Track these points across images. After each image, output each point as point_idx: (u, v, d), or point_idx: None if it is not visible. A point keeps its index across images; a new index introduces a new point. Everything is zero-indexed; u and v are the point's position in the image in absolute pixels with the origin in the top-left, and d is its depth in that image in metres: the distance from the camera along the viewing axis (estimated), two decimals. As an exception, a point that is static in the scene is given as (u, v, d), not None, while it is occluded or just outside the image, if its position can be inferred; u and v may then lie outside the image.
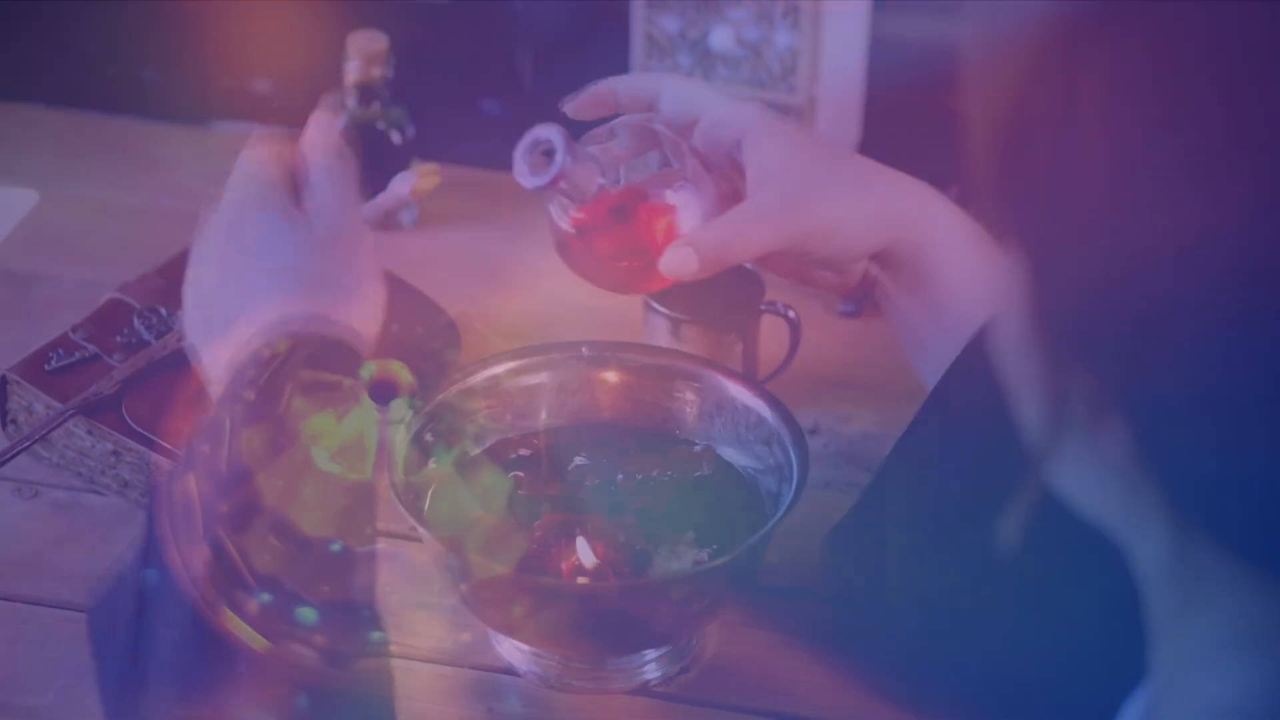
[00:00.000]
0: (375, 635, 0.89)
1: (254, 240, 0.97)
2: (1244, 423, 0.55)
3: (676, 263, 1.02)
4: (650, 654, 1.06)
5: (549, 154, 1.01)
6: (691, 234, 1.03)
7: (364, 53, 1.38)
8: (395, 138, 1.41)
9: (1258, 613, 0.60)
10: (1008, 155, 0.58)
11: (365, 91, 1.39)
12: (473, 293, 1.33)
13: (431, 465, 1.06)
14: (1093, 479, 0.61)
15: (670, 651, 1.07)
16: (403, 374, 1.00)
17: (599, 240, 1.05)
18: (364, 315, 0.96)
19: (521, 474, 1.09)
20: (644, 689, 1.06)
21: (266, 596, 0.85)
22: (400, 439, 1.04)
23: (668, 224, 1.05)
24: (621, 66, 1.46)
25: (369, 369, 0.98)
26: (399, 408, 1.02)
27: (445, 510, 1.04)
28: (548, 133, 1.01)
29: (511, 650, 1.06)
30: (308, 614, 0.86)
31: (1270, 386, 0.54)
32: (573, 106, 1.09)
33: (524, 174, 1.02)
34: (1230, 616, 0.60)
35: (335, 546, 0.88)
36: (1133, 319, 0.55)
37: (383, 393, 0.96)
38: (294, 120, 1.49)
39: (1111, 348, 0.56)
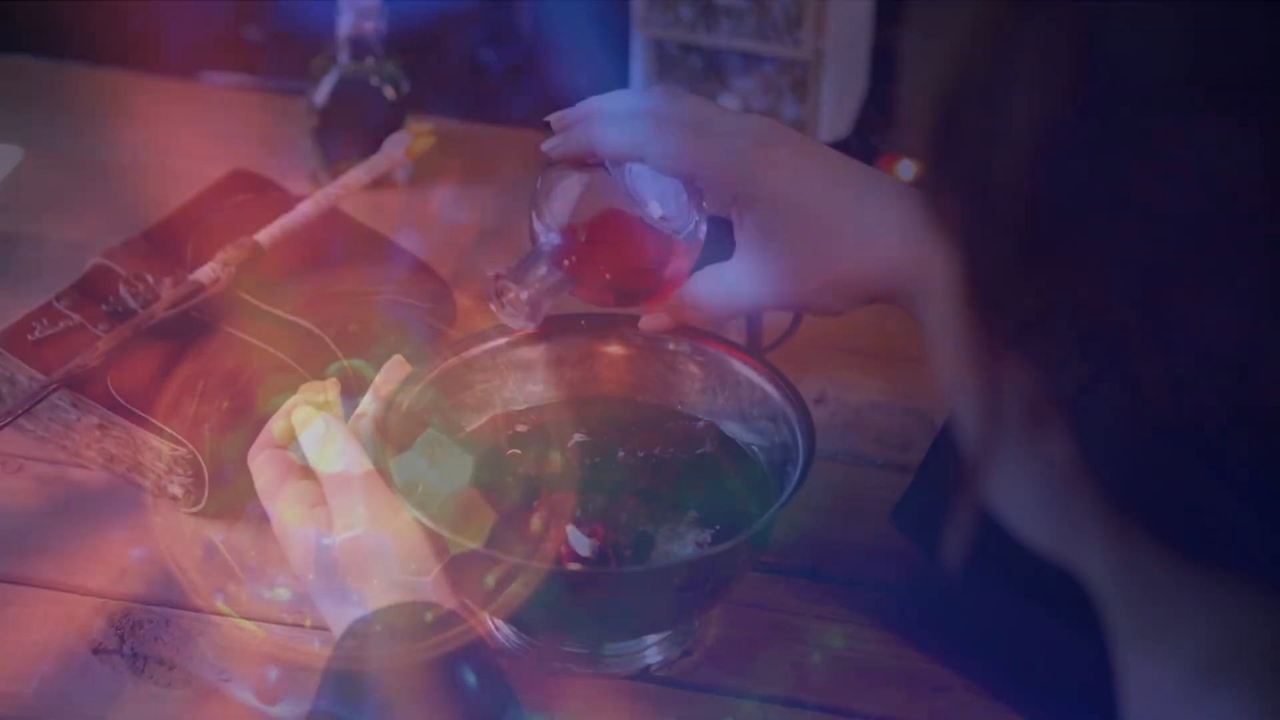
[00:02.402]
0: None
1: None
2: (1189, 421, 0.53)
3: (655, 324, 1.07)
4: (651, 638, 1.03)
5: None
6: (671, 302, 1.04)
7: (357, 6, 1.34)
8: (389, 93, 1.37)
9: (1226, 636, 0.58)
10: (942, 124, 0.57)
11: (358, 46, 1.35)
12: (468, 254, 1.30)
13: (418, 446, 1.03)
14: (1031, 490, 0.60)
15: (671, 635, 1.04)
16: (366, 371, 1.00)
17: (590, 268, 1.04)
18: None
19: (518, 451, 1.06)
20: (644, 673, 1.03)
21: None
22: (385, 425, 1.01)
23: (646, 238, 1.04)
24: (623, 17, 1.42)
25: (334, 369, 0.98)
26: (364, 404, 1.00)
27: (437, 495, 1.01)
28: (496, 272, 1.02)
29: (507, 633, 1.04)
30: None
31: (1213, 380, 0.52)
32: (555, 154, 1.03)
33: (505, 316, 1.03)
34: (1197, 644, 0.59)
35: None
36: (1069, 306, 0.53)
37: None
38: (285, 72, 1.46)
39: (1049, 338, 0.54)
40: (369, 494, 0.95)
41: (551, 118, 1.04)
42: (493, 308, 1.03)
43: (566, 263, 1.02)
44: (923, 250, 1.00)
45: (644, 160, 1.01)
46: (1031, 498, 0.61)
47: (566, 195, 1.03)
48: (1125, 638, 0.62)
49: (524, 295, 1.01)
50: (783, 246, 1.00)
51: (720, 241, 1.04)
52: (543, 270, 1.02)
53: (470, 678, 0.92)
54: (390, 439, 1.00)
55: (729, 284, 1.02)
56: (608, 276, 1.04)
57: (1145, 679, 0.62)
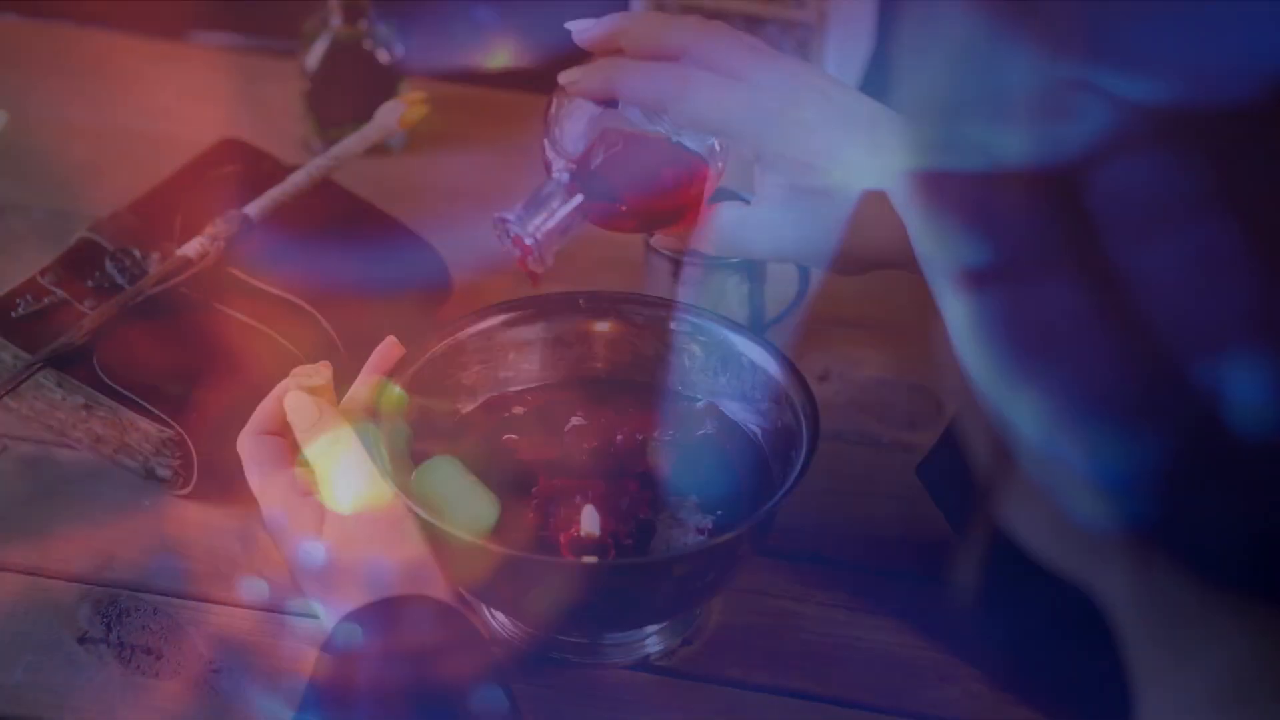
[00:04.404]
0: None
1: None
2: (1202, 439, 0.52)
3: (667, 243, 1.06)
4: (650, 627, 1.01)
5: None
6: (684, 231, 1.00)
7: (348, -33, 1.31)
8: (382, 56, 1.33)
9: (1245, 658, 0.58)
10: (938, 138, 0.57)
11: (351, 9, 1.32)
12: (464, 225, 1.27)
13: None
14: (1047, 515, 0.60)
15: (671, 623, 1.01)
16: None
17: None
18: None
19: (515, 436, 1.03)
20: (644, 663, 1.00)
21: None
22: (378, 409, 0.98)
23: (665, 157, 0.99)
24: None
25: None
26: (358, 386, 0.98)
27: (438, 490, 0.98)
28: (501, 215, 0.97)
29: (504, 622, 1.01)
30: None
31: (1229, 401, 0.52)
32: (572, 91, 0.99)
33: (518, 259, 0.98)
34: (1217, 665, 0.59)
35: None
36: (1082, 325, 0.53)
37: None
38: (276, 31, 1.43)
39: (1060, 360, 0.54)
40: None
41: (573, 26, 0.99)
42: (504, 247, 0.99)
43: (581, 191, 0.98)
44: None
45: (666, 114, 0.97)
46: (1048, 519, 0.59)
47: (581, 118, 0.99)
48: (1143, 656, 0.62)
49: (529, 241, 0.97)
50: (804, 208, 0.96)
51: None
52: (554, 204, 0.97)
53: (465, 682, 0.90)
54: (383, 425, 0.98)
55: (746, 228, 0.99)
56: (624, 204, 0.99)
57: (1162, 697, 0.61)
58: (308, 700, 0.90)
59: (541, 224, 0.96)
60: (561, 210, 0.96)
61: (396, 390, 1.00)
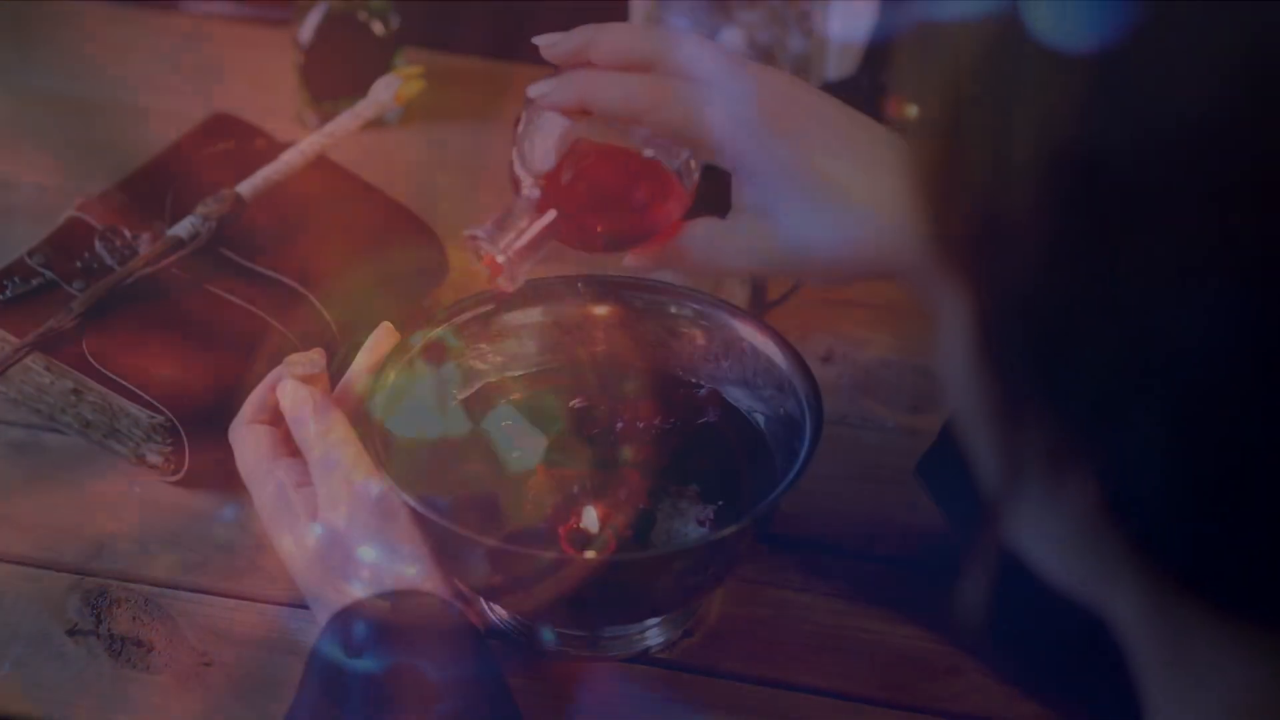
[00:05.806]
0: None
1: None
2: (1212, 465, 0.51)
3: (640, 264, 0.99)
4: (651, 619, 0.99)
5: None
6: (662, 249, 0.96)
7: (343, -63, 1.28)
8: (378, 29, 1.31)
9: (1258, 685, 0.57)
10: (944, 179, 0.55)
11: (345, -20, 1.30)
12: (461, 203, 1.25)
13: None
14: (1055, 538, 0.58)
15: (672, 615, 1.00)
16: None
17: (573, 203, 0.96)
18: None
19: (511, 424, 1.01)
20: (644, 656, 0.99)
21: None
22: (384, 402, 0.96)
23: (636, 168, 0.96)
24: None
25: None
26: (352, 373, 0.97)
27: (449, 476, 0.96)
28: (473, 233, 0.94)
29: (502, 615, 0.99)
30: None
31: (1238, 423, 0.50)
32: (543, 104, 0.96)
33: (489, 277, 0.96)
34: (1229, 691, 0.58)
35: None
36: (1090, 356, 0.52)
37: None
38: (269, 4, 1.41)
39: (1068, 389, 0.53)
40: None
41: (540, 41, 0.96)
42: (475, 267, 0.97)
43: (551, 209, 0.95)
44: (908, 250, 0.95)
45: (640, 124, 0.94)
46: (1056, 540, 0.59)
47: (551, 133, 0.96)
48: (1154, 679, 0.61)
49: (499, 259, 0.95)
50: (783, 221, 0.93)
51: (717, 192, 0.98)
52: (523, 224, 0.95)
53: (462, 668, 0.88)
54: (377, 412, 0.96)
55: (723, 243, 0.95)
56: (598, 226, 0.97)
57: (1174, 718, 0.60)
58: (301, 697, 0.88)
59: (511, 242, 0.93)
60: (531, 228, 0.94)
61: (448, 334, 0.98)
